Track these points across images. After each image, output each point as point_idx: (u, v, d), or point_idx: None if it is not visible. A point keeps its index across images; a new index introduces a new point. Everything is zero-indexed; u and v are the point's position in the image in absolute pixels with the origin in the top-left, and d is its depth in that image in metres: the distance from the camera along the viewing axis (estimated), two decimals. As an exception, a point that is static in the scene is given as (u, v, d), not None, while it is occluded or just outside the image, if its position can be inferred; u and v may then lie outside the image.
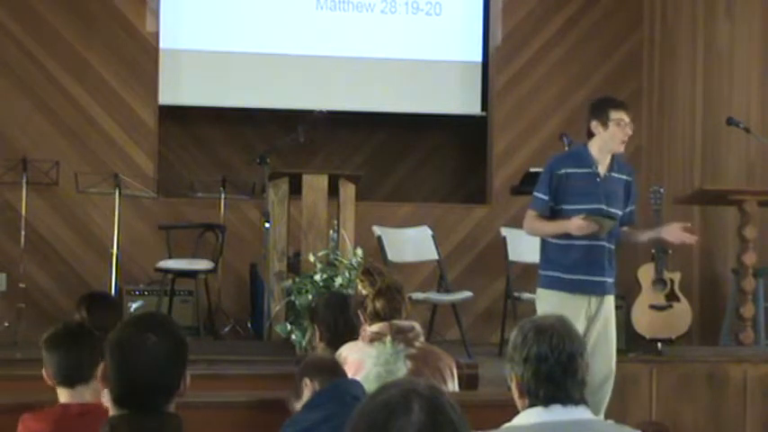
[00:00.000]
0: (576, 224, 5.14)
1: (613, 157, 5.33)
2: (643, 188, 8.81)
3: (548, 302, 5.28)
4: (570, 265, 5.24)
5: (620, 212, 5.32)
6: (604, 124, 5.25)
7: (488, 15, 9.43)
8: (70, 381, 3.34)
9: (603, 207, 5.24)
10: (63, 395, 3.35)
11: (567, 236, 5.20)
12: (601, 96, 5.77)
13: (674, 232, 5.37)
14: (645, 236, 5.50)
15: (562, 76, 9.25)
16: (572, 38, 9.30)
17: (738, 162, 8.12)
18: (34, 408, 3.32)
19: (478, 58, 9.45)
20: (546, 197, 5.27)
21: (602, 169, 5.29)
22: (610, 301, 5.34)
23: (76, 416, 3.23)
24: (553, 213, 5.28)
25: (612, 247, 5.31)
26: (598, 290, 5.26)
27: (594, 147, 5.29)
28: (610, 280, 5.31)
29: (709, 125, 8.37)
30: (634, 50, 9.33)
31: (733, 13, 8.28)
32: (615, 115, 5.25)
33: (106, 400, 2.55)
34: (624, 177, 5.37)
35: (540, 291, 5.38)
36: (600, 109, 5.30)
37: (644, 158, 9.17)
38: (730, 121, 7.26)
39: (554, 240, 5.29)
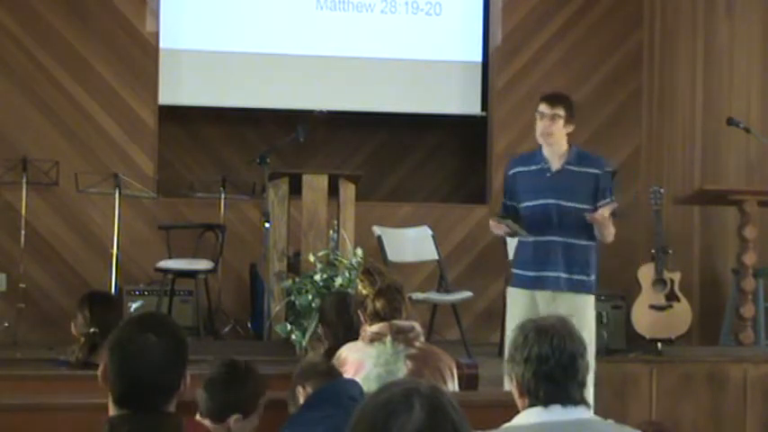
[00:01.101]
0: (490, 224, 5.25)
1: (572, 151, 5.23)
2: (643, 188, 8.84)
3: (510, 298, 5.35)
4: (524, 262, 5.26)
5: (583, 206, 5.15)
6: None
7: (488, 15, 9.42)
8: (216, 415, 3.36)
9: (552, 201, 5.16)
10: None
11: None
12: None
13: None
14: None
15: (562, 76, 9.23)
16: (572, 38, 9.29)
17: (738, 162, 8.12)
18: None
19: (478, 58, 9.44)
20: (504, 199, 5.39)
21: (554, 164, 5.21)
22: (575, 298, 5.16)
23: None
24: (517, 212, 5.29)
25: (580, 242, 5.17)
26: (551, 285, 5.17)
27: None
28: (567, 276, 5.16)
29: (710, 125, 8.36)
30: (634, 50, 9.32)
31: (733, 12, 8.28)
32: (539, 108, 5.25)
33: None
34: (589, 170, 5.21)
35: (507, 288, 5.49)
36: None
37: (644, 158, 9.17)
38: (730, 122, 7.26)
39: (519, 238, 5.33)
